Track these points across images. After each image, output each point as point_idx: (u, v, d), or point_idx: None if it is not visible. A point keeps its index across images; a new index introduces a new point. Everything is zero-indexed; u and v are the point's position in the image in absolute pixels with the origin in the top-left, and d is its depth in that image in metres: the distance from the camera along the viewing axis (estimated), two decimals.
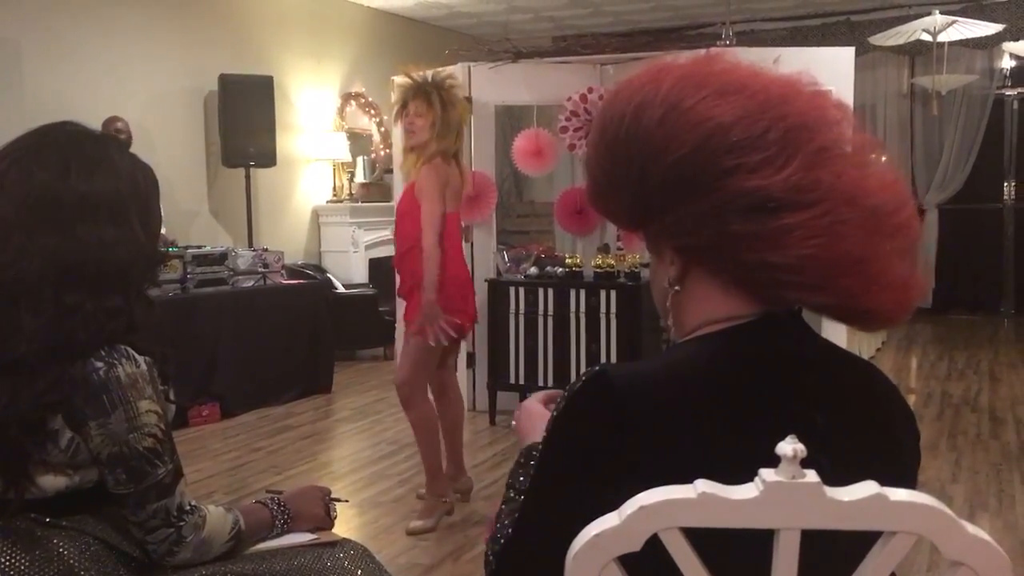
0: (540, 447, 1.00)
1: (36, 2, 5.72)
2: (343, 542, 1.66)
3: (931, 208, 9.16)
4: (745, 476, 0.81)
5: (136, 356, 1.43)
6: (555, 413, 0.98)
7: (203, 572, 1.48)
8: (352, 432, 5.23)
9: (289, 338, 5.83)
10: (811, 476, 0.79)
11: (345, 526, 3.59)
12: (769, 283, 0.96)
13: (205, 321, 5.35)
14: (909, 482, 1.01)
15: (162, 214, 1.56)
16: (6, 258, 1.37)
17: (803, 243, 0.92)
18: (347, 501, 1.78)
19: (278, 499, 1.66)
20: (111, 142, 1.51)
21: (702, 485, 0.79)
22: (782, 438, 0.79)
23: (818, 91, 1.00)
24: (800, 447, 0.78)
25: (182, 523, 1.44)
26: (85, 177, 1.43)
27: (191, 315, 5.28)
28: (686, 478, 0.81)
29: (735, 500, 0.78)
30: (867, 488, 0.79)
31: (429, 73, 3.65)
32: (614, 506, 0.81)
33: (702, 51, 1.07)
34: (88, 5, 6.03)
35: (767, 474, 0.79)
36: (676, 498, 0.78)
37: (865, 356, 6.53)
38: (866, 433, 1.00)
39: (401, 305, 4.13)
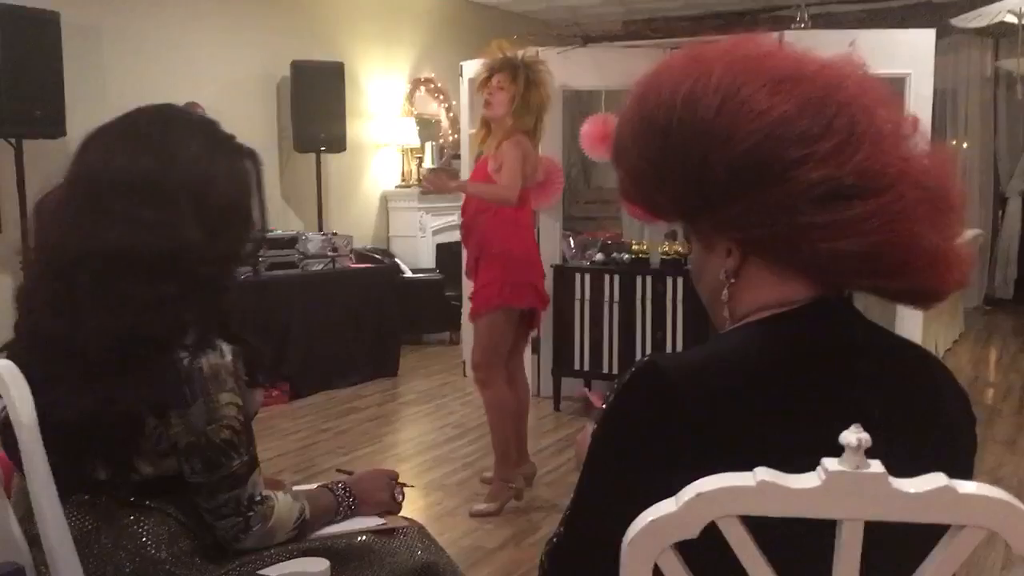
0: (591, 439, 0.98)
1: None
2: (406, 523, 1.68)
3: (1014, 196, 8.84)
4: (800, 464, 0.79)
5: (224, 347, 1.42)
6: (605, 405, 0.97)
7: (271, 550, 1.52)
8: (417, 415, 5.29)
9: (357, 321, 5.90)
10: (876, 466, 0.77)
11: (409, 507, 3.61)
12: (844, 271, 0.94)
13: (275, 303, 5.45)
14: (965, 467, 1.00)
15: (258, 209, 1.48)
16: (54, 239, 1.39)
17: (879, 230, 0.91)
18: (412, 486, 1.79)
19: (344, 484, 1.68)
20: (185, 124, 1.47)
21: (762, 473, 0.77)
22: (836, 426, 0.77)
23: (866, 72, 0.98)
24: (865, 436, 0.76)
25: (251, 513, 1.46)
26: (130, 157, 1.40)
27: (262, 297, 5.38)
28: (739, 467, 0.79)
29: (796, 489, 0.77)
30: (935, 480, 0.77)
31: (520, 52, 3.64)
32: (667, 497, 0.80)
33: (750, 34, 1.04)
34: None
35: (830, 463, 0.77)
36: (735, 485, 0.77)
37: (942, 348, 6.40)
38: (921, 418, 0.98)
39: (468, 289, 4.15)
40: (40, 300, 1.42)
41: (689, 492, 0.77)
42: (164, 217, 1.38)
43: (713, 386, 0.93)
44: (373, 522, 1.68)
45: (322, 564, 1.52)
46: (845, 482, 0.76)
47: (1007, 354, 6.87)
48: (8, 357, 1.39)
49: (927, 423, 0.98)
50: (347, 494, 1.66)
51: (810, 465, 0.78)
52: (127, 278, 1.37)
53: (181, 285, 1.39)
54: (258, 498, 1.47)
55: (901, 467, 0.78)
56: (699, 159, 0.95)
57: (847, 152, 0.90)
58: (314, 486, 1.70)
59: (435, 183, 3.78)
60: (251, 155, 1.52)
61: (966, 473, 0.98)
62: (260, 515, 1.47)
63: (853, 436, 0.76)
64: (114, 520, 1.43)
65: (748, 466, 0.79)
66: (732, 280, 1.01)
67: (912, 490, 0.76)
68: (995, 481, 3.90)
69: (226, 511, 1.45)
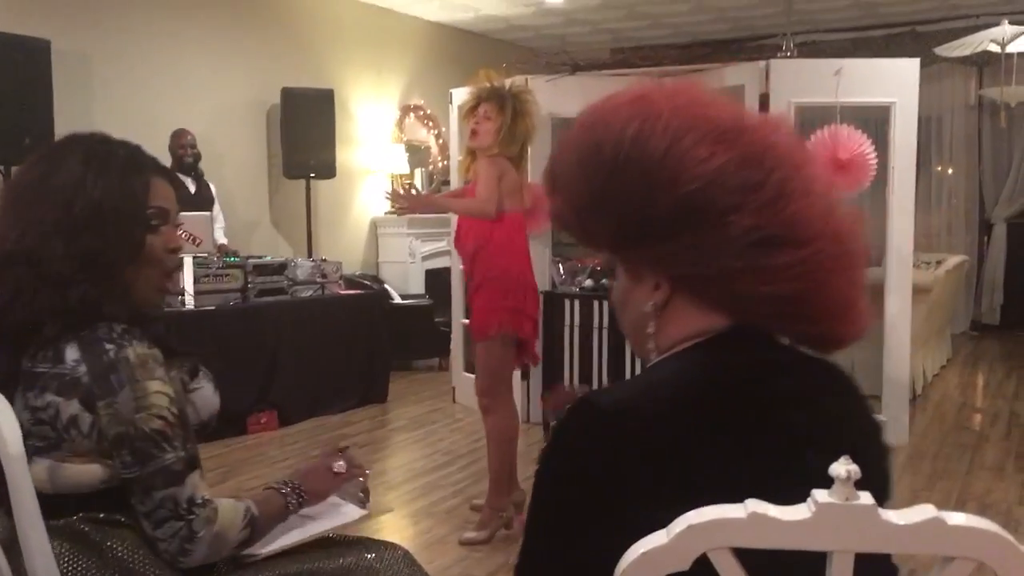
0: (534, 485, 1.00)
1: (107, 18, 5.91)
2: (389, 545, 1.68)
3: (999, 222, 8.93)
4: (746, 485, 0.84)
5: (148, 342, 1.45)
6: (545, 447, 0.99)
7: (256, 574, 1.50)
8: (407, 442, 5.27)
9: (346, 348, 5.89)
10: (865, 498, 0.77)
11: (399, 535, 3.61)
12: (764, 312, 1.01)
13: (264, 330, 5.43)
14: (885, 476, 1.07)
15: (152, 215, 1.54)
16: None
17: (801, 278, 0.98)
18: (348, 447, 1.78)
19: (288, 482, 1.64)
20: (81, 142, 1.55)
21: (752, 505, 0.78)
22: (776, 442, 0.84)
23: (793, 134, 1.07)
24: (854, 468, 0.77)
25: (192, 516, 1.40)
26: (29, 168, 1.53)
27: (251, 324, 5.37)
28: (688, 493, 0.83)
29: (786, 521, 0.77)
30: (924, 511, 0.77)
31: (507, 81, 3.66)
32: (620, 534, 0.81)
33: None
34: (157, 21, 6.19)
35: (820, 495, 0.77)
36: (726, 518, 0.77)
37: (930, 374, 6.43)
38: (842, 426, 1.03)
39: (460, 309, 4.14)
40: None
41: (680, 524, 0.77)
42: (29, 225, 1.47)
43: (650, 417, 0.95)
44: (357, 513, 1.68)
45: None
46: (835, 514, 0.77)
47: (994, 380, 6.90)
48: None
49: (846, 429, 1.04)
50: (295, 491, 1.63)
51: (757, 485, 0.83)
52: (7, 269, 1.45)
53: (32, 278, 1.44)
54: (199, 500, 1.42)
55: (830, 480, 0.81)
56: (645, 194, 1.00)
57: (780, 204, 0.97)
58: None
59: (408, 200, 3.79)
60: (137, 170, 1.54)
61: (887, 481, 1.06)
62: (204, 519, 1.41)
63: (842, 468, 0.77)
64: (84, 543, 1.41)
65: (695, 492, 0.82)
66: (658, 313, 1.05)
67: (902, 522, 0.77)
68: (984, 508, 3.90)
69: (164, 513, 1.39)
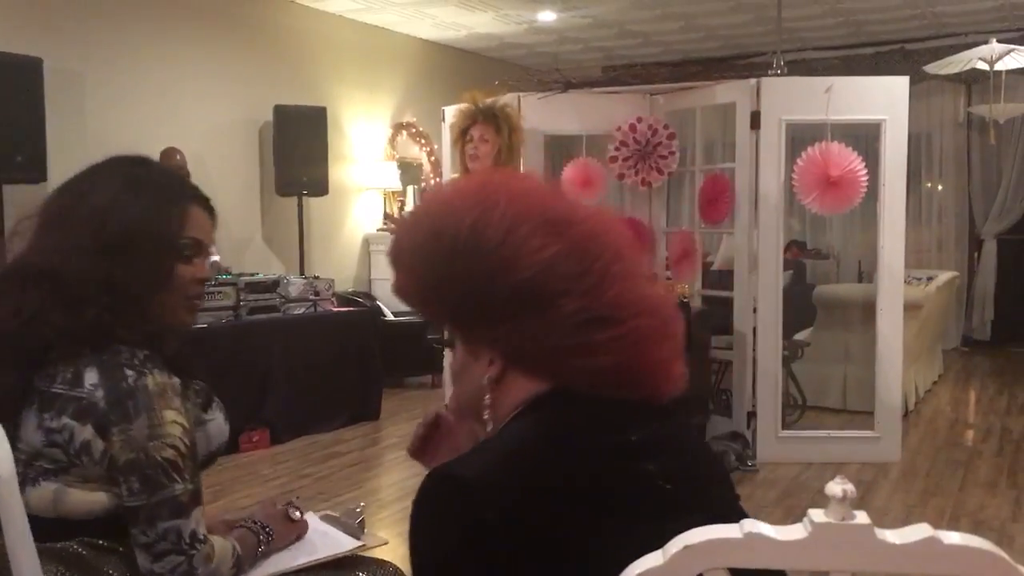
0: (411, 565, 1.02)
1: (100, 36, 5.91)
2: (380, 562, 1.68)
3: (989, 239, 8.97)
4: (609, 509, 0.99)
5: (169, 371, 1.43)
6: (413, 525, 1.01)
7: None
8: (400, 460, 5.24)
9: (338, 365, 5.87)
10: (861, 517, 0.77)
11: (391, 554, 3.58)
12: (588, 382, 1.08)
13: (256, 348, 5.41)
14: (725, 472, 1.20)
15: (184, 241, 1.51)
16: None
17: (623, 351, 1.07)
18: (295, 498, 1.80)
19: (260, 521, 1.64)
20: (109, 168, 1.53)
21: (748, 525, 0.77)
22: (618, 465, 1.00)
23: (620, 222, 1.17)
24: (850, 487, 0.77)
25: (194, 552, 1.38)
26: (60, 194, 1.52)
27: (243, 341, 5.35)
28: (567, 543, 0.94)
29: (783, 541, 0.77)
30: (920, 531, 0.77)
31: (490, 100, 3.69)
32: None
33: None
34: (149, 40, 6.21)
35: (816, 515, 0.77)
36: (722, 538, 0.77)
37: (922, 390, 6.44)
38: (669, 438, 1.13)
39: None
40: None
41: (677, 544, 0.77)
42: (59, 243, 1.46)
43: (515, 481, 0.99)
44: (352, 543, 1.68)
45: None
46: (831, 533, 0.77)
47: (986, 396, 6.92)
48: None
49: (674, 444, 1.13)
50: (265, 531, 1.62)
51: (615, 507, 0.98)
52: (10, 291, 1.44)
53: (53, 295, 1.42)
54: (201, 537, 1.40)
55: (683, 477, 1.00)
56: (481, 280, 1.07)
57: (603, 288, 1.07)
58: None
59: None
60: (174, 198, 1.52)
61: (732, 483, 1.19)
62: (203, 556, 1.39)
63: (838, 487, 0.77)
64: (78, 565, 1.39)
65: (579, 530, 0.94)
66: (494, 386, 1.12)
67: (898, 541, 0.77)
68: (977, 524, 3.90)
69: (165, 545, 1.37)
